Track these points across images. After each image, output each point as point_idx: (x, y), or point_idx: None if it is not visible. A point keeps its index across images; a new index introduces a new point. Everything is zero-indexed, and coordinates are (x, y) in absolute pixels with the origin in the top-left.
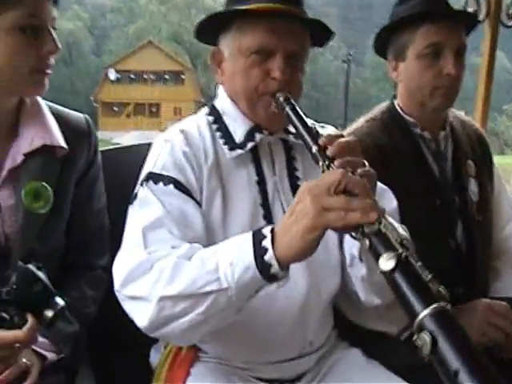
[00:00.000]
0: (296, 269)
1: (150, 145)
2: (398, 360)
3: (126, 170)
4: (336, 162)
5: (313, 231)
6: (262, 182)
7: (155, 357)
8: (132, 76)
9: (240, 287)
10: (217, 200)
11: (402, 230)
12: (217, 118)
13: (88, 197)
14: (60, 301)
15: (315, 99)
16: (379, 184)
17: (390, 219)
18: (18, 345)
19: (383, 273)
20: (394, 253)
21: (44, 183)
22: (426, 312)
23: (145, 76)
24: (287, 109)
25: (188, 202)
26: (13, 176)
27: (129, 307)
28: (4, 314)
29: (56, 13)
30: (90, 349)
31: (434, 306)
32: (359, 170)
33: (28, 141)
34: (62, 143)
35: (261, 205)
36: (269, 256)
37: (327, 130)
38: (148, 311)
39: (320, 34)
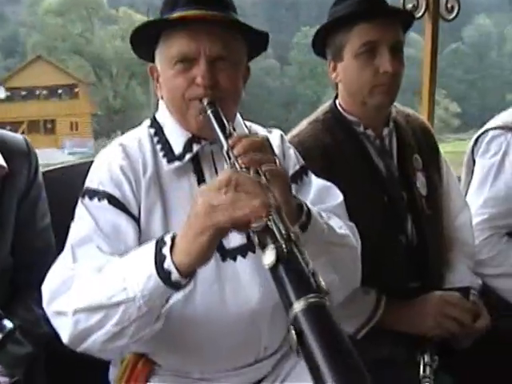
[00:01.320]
0: (248, 276)
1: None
2: None
3: (71, 188)
4: (239, 160)
5: (205, 232)
6: None
7: (113, 372)
8: (23, 93)
9: (146, 296)
10: (157, 212)
11: (293, 228)
12: (157, 130)
13: (31, 216)
14: (8, 323)
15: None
16: (323, 182)
17: (283, 214)
18: None
19: (266, 267)
20: (275, 246)
21: None
22: (299, 305)
23: (37, 92)
24: (208, 112)
25: (121, 216)
26: None
27: (55, 324)
28: None
29: None
30: (47, 368)
31: (309, 299)
32: (263, 168)
33: None
34: (2, 162)
35: None
36: (167, 263)
37: (274, 134)
38: (67, 326)
39: (255, 37)
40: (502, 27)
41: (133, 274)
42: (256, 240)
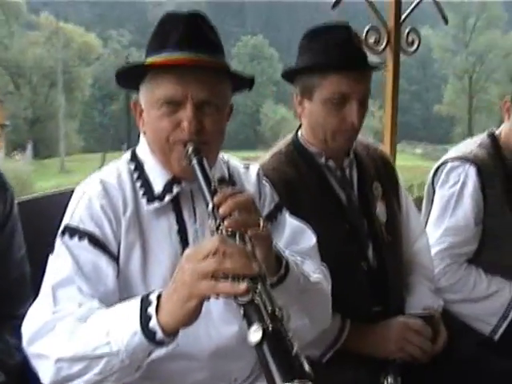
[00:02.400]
0: (220, 314)
1: (72, 192)
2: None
3: (47, 218)
4: (226, 223)
5: (190, 300)
6: (182, 231)
7: None
8: None
9: (130, 351)
10: (136, 252)
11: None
12: (137, 166)
13: (7, 248)
14: None
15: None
16: (297, 223)
17: (268, 288)
18: None
19: (252, 344)
20: (261, 325)
21: None
22: None
23: None
24: (193, 161)
25: (101, 257)
26: None
27: (35, 364)
28: None
29: None
30: None
31: (294, 383)
32: (249, 232)
33: None
34: None
35: (181, 254)
36: (153, 323)
37: (251, 170)
38: (48, 371)
39: (239, 77)
40: (444, 39)
41: (117, 329)
42: (241, 312)
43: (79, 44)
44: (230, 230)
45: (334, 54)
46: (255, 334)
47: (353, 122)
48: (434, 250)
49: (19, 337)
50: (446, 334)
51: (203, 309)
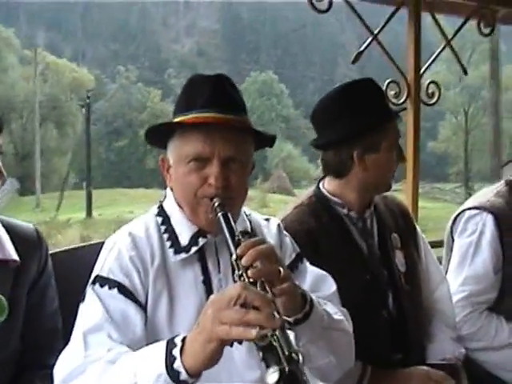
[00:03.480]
0: (243, 360)
1: (102, 244)
2: None
3: (78, 269)
4: (248, 272)
5: (210, 342)
6: (207, 281)
7: None
8: None
9: None
10: (163, 301)
11: (294, 341)
12: (164, 219)
13: (41, 302)
14: None
15: None
16: (318, 271)
17: (287, 333)
18: None
19: None
20: (277, 367)
21: None
22: None
23: None
24: (219, 215)
25: (130, 305)
26: None
27: None
28: None
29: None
30: None
31: None
32: (277, 288)
33: None
34: (15, 256)
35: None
36: (177, 364)
37: (271, 223)
38: None
39: (263, 137)
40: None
41: (143, 371)
42: (260, 355)
43: (69, 79)
44: (251, 279)
45: (381, 106)
46: (272, 376)
47: (402, 160)
48: (455, 298)
49: None
50: (467, 383)
51: (226, 354)
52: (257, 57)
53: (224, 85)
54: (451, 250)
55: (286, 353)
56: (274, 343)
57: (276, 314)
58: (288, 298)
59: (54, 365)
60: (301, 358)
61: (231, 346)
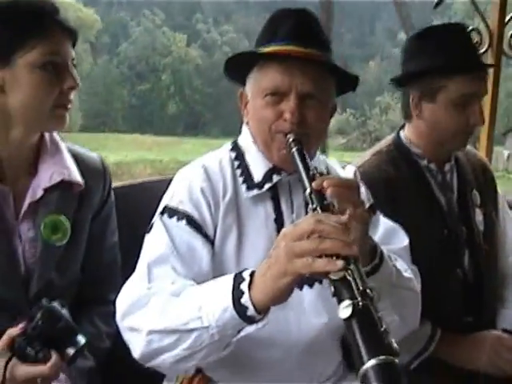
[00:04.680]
0: (312, 305)
1: (165, 181)
2: None
3: (139, 205)
4: (329, 191)
5: (284, 276)
6: (279, 220)
7: None
8: None
9: (220, 326)
10: (231, 236)
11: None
12: (238, 155)
13: (102, 233)
14: (82, 339)
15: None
16: (391, 223)
17: (360, 267)
18: (39, 380)
19: (342, 319)
20: (351, 301)
21: (62, 216)
22: (370, 363)
23: None
24: (293, 149)
25: (198, 238)
26: (32, 210)
27: (127, 338)
28: (29, 350)
29: (74, 52)
30: (104, 382)
31: (380, 358)
32: (348, 211)
33: (47, 176)
34: (79, 179)
35: None
36: (245, 299)
37: (348, 170)
38: (140, 343)
39: (345, 77)
40: None
41: (209, 305)
42: (332, 289)
43: (74, 19)
44: (327, 205)
45: (457, 54)
46: (345, 310)
47: (477, 123)
48: None
49: (109, 323)
50: None
51: (296, 299)
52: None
53: (307, 19)
54: None
55: (361, 288)
56: (348, 277)
57: (352, 248)
58: (359, 231)
59: (112, 301)
60: (376, 295)
61: (301, 289)
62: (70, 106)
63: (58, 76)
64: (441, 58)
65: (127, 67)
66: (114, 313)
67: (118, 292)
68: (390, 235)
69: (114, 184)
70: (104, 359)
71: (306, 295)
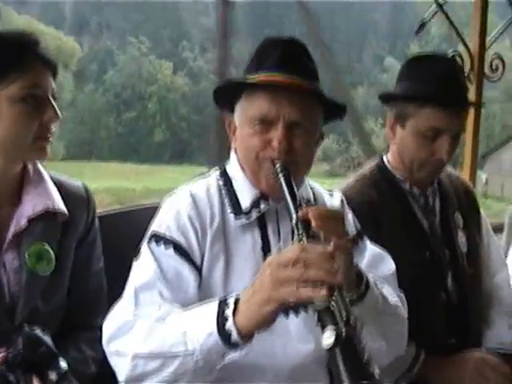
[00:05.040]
0: (298, 332)
1: (152, 208)
2: None
3: (124, 232)
4: (313, 223)
5: (268, 303)
6: (266, 248)
7: None
8: None
9: (204, 351)
10: (219, 264)
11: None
12: (226, 182)
13: (87, 259)
14: (63, 364)
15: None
16: (378, 250)
17: (345, 296)
18: None
19: (324, 347)
20: (334, 329)
21: (46, 245)
22: None
23: None
24: (281, 177)
25: (184, 265)
26: (17, 239)
27: (112, 362)
28: (11, 377)
29: (54, 84)
30: None
31: None
32: (332, 242)
33: (31, 206)
34: (63, 208)
35: None
36: (229, 325)
37: (335, 197)
38: (125, 367)
39: (332, 105)
40: None
41: (194, 330)
42: (316, 317)
43: (53, 48)
44: (312, 238)
45: (434, 86)
46: (329, 338)
47: (442, 158)
48: None
49: (95, 348)
50: None
51: (282, 327)
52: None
53: (295, 48)
54: None
55: (344, 317)
56: (332, 306)
57: (337, 276)
58: (344, 261)
59: (99, 326)
60: (359, 324)
61: (287, 316)
62: (50, 137)
63: (38, 108)
64: (418, 87)
65: (113, 95)
66: (99, 338)
67: (104, 317)
68: (377, 261)
69: (103, 211)
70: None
71: (292, 322)
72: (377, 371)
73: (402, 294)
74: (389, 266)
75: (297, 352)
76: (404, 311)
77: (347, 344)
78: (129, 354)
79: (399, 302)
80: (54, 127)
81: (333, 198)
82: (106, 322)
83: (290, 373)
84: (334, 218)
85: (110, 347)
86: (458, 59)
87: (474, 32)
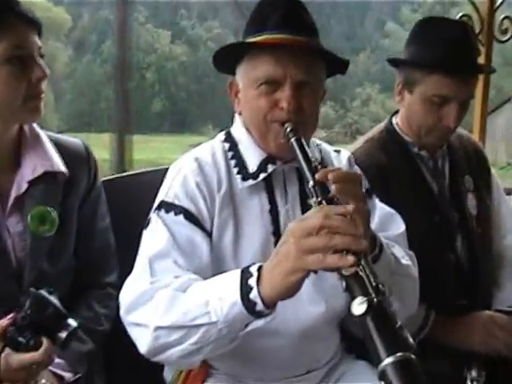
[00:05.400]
0: (309, 294)
1: (165, 170)
2: None
3: (133, 196)
4: (333, 187)
5: (294, 273)
6: (274, 211)
7: (168, 373)
8: None
9: (228, 322)
10: (228, 229)
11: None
12: (232, 145)
13: (92, 218)
14: (72, 322)
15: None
16: (387, 209)
17: (370, 262)
18: (34, 366)
19: (356, 316)
20: (365, 298)
21: (48, 207)
22: (388, 360)
23: None
24: (292, 140)
25: (196, 232)
26: (19, 203)
27: (132, 333)
28: (20, 338)
29: (40, 42)
30: (105, 366)
31: (398, 355)
32: (353, 205)
33: (31, 169)
34: (63, 169)
35: (272, 233)
36: (253, 294)
37: (342, 155)
38: (146, 338)
39: (334, 61)
40: None
41: (217, 300)
42: (343, 284)
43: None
44: (333, 199)
45: (441, 52)
46: (360, 307)
47: (449, 125)
48: None
49: (107, 306)
50: None
51: None
52: None
53: (296, 7)
54: None
55: (374, 283)
56: (361, 273)
57: (362, 242)
58: (363, 224)
59: (109, 283)
60: (387, 290)
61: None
62: (42, 95)
63: (24, 69)
64: (426, 53)
65: (111, 66)
66: (110, 295)
67: (115, 275)
68: (386, 221)
69: (106, 177)
70: (104, 342)
71: (303, 286)
72: (410, 337)
73: (412, 253)
74: (399, 225)
75: (308, 315)
76: (415, 270)
77: (379, 312)
78: (150, 325)
79: (410, 262)
80: (44, 85)
81: (340, 156)
82: (122, 292)
83: (302, 334)
84: (352, 181)
85: (128, 318)
86: (467, 21)
87: None
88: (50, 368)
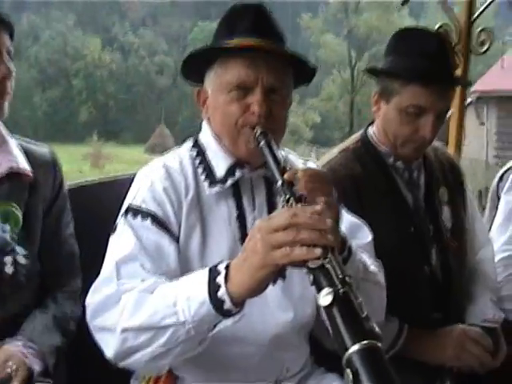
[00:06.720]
0: (276, 301)
1: (132, 177)
2: None
3: (97, 204)
4: (300, 184)
5: (261, 269)
6: (241, 217)
7: None
8: None
9: (196, 321)
10: (195, 234)
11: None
12: (199, 152)
13: (57, 225)
14: (22, 251)
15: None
16: (354, 220)
17: (337, 255)
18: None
19: (322, 307)
20: (331, 289)
21: (13, 205)
22: (354, 348)
23: None
24: (262, 142)
25: (164, 236)
26: None
27: (98, 337)
28: None
29: (10, 43)
30: (69, 378)
31: (363, 343)
32: (322, 201)
33: None
34: (28, 168)
35: (239, 240)
36: (221, 292)
37: (309, 165)
38: (113, 342)
39: (302, 69)
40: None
41: (184, 300)
42: (311, 278)
43: None
44: (301, 198)
45: (418, 63)
46: (326, 298)
47: (424, 137)
48: (497, 258)
49: (73, 305)
50: (505, 347)
51: (259, 296)
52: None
53: (266, 13)
54: (496, 208)
55: (340, 275)
56: (327, 265)
57: (329, 237)
58: (334, 219)
59: (74, 289)
60: (354, 282)
61: (274, 282)
62: (7, 95)
63: None
64: (402, 63)
65: (38, 71)
66: (76, 301)
67: (79, 280)
68: (354, 231)
69: (81, 181)
70: (70, 341)
71: (269, 291)
72: (376, 327)
73: (380, 262)
74: (366, 235)
75: (275, 321)
76: (383, 278)
77: (345, 302)
78: (117, 329)
79: (377, 269)
80: (9, 84)
81: (307, 166)
82: (88, 297)
83: (270, 342)
84: (321, 178)
85: (94, 323)
86: (445, 33)
87: (462, 6)
88: (20, 355)
